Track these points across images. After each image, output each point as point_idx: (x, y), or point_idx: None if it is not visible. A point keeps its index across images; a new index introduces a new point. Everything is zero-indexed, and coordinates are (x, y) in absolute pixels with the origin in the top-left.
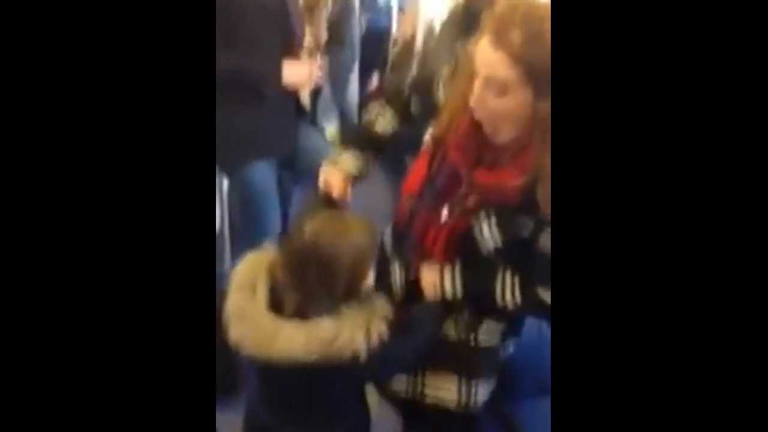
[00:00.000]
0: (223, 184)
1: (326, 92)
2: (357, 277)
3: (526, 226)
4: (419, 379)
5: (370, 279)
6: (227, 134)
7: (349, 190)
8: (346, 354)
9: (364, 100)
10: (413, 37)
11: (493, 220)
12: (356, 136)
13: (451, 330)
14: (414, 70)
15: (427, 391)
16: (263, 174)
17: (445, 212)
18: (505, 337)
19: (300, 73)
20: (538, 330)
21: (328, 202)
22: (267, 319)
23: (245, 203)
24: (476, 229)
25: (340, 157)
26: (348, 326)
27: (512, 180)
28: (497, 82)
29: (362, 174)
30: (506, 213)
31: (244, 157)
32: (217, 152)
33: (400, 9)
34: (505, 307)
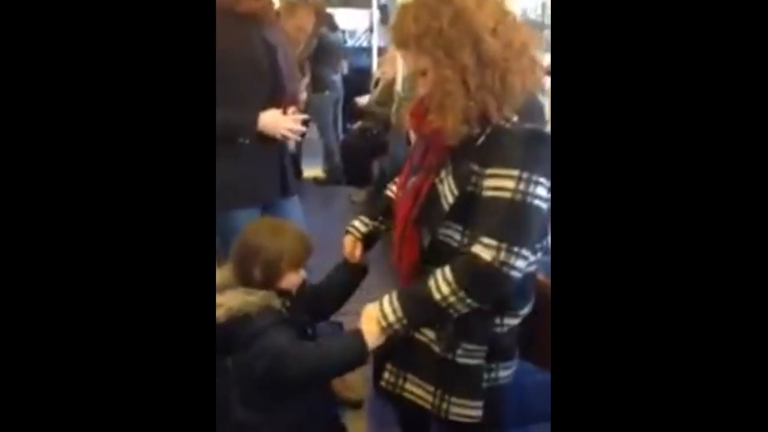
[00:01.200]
0: None
1: (312, 134)
2: (268, 277)
3: (473, 174)
4: (401, 375)
5: (289, 282)
6: (217, 184)
7: (359, 251)
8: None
9: (350, 136)
10: (394, 76)
11: (449, 169)
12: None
13: (435, 343)
14: (396, 102)
15: (408, 387)
16: (245, 222)
17: (414, 179)
18: (491, 359)
19: (280, 121)
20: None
21: (347, 263)
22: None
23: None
24: (438, 187)
25: (353, 224)
26: (228, 301)
27: (440, 120)
28: (417, 71)
29: (374, 234)
30: (458, 162)
31: (225, 204)
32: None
33: (380, 49)
34: (447, 305)
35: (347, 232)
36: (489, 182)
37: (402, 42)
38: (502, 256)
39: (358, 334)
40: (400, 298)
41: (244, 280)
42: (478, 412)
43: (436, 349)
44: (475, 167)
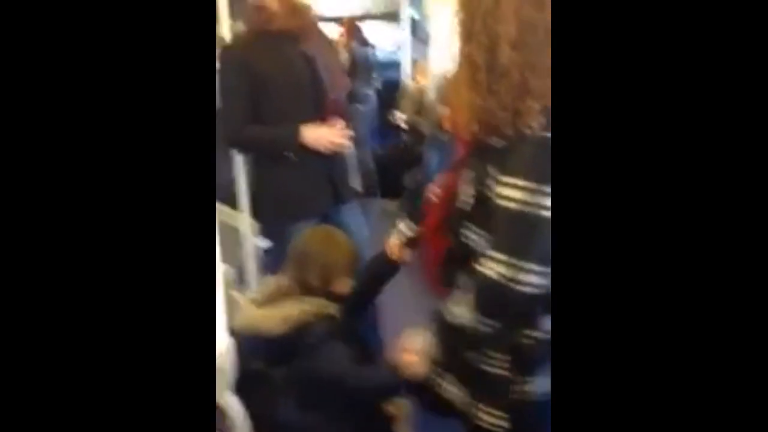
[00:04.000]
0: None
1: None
2: (324, 281)
3: (489, 178)
4: (439, 373)
5: (342, 287)
6: (265, 199)
7: (405, 253)
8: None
9: (384, 150)
10: (426, 85)
11: (470, 172)
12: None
13: (466, 350)
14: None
15: (445, 386)
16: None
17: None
18: (518, 370)
19: (322, 135)
20: None
21: (390, 262)
22: (249, 309)
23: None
24: (461, 187)
25: (399, 228)
26: (289, 309)
27: (459, 114)
28: None
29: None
30: (477, 163)
31: (282, 219)
32: (258, 216)
33: (414, 61)
34: (471, 329)
35: (394, 234)
36: (501, 190)
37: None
38: (510, 272)
39: (395, 367)
40: (430, 327)
41: (301, 285)
42: (503, 423)
43: (467, 356)
44: (492, 171)
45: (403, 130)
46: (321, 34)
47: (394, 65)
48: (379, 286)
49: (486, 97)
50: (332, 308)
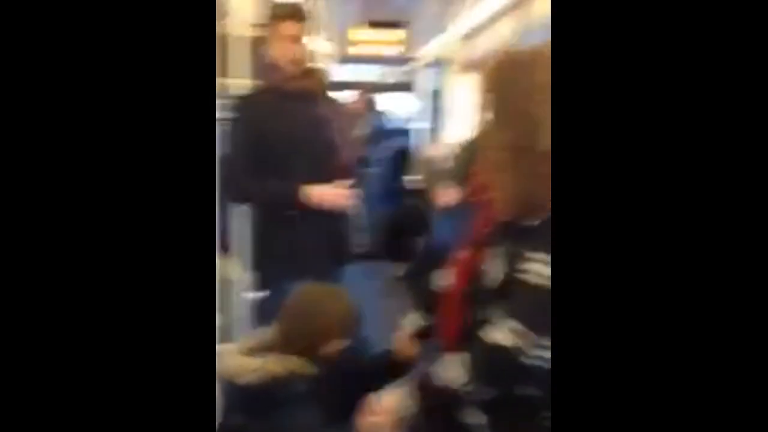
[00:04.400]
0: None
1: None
2: (312, 343)
3: (522, 257)
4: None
5: (333, 348)
6: (265, 254)
7: (414, 348)
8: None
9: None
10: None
11: (500, 250)
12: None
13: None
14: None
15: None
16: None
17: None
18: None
19: (324, 195)
20: None
21: (396, 362)
22: (234, 357)
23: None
24: (488, 264)
25: (406, 318)
26: (270, 365)
27: (498, 195)
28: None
29: (429, 329)
30: (510, 242)
31: (280, 275)
32: (259, 271)
33: (433, 132)
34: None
35: (402, 329)
36: (532, 266)
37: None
38: (525, 344)
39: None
40: (410, 388)
41: (288, 342)
42: None
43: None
44: (525, 249)
45: (414, 195)
46: (334, 100)
47: (406, 133)
48: (382, 386)
49: (531, 180)
50: (313, 369)
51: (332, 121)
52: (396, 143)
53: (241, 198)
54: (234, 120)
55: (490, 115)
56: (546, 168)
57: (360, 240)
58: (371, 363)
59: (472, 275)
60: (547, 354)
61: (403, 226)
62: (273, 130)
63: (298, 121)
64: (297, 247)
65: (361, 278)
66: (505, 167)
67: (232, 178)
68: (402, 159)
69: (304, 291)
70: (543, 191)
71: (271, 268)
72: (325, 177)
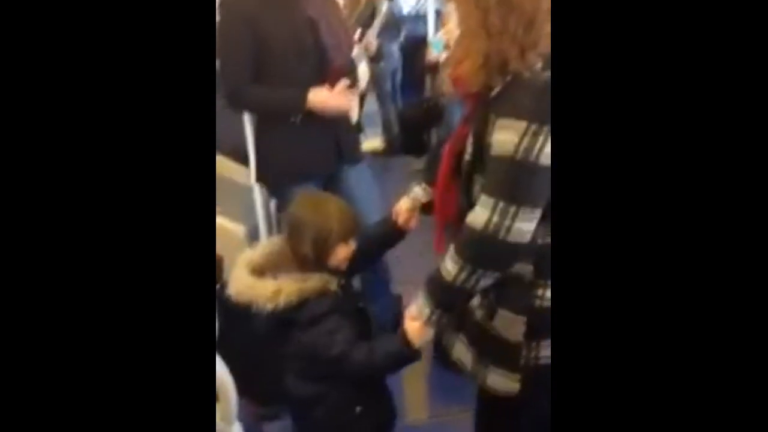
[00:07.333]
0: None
1: (371, 105)
2: (317, 251)
3: (488, 125)
4: (452, 339)
5: (340, 256)
6: (269, 160)
7: (414, 220)
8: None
9: (408, 107)
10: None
11: (478, 125)
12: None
13: (477, 309)
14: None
15: (455, 350)
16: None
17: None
18: (531, 335)
19: (328, 100)
20: None
21: (394, 228)
22: (244, 278)
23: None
24: (467, 140)
25: (414, 190)
26: (286, 286)
27: (462, 67)
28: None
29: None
30: (479, 113)
31: (286, 180)
32: (264, 178)
33: (438, 12)
34: (462, 283)
35: (408, 198)
36: (496, 135)
37: None
38: (496, 219)
39: (404, 336)
40: (425, 289)
41: (296, 254)
42: (515, 386)
43: (478, 315)
44: (491, 118)
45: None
46: None
47: (421, 19)
48: (381, 251)
49: (497, 37)
50: (333, 283)
51: (325, 21)
52: (410, 31)
53: (238, 104)
54: (223, 18)
55: None
56: (516, 17)
57: (374, 136)
58: (372, 230)
59: (456, 157)
60: (527, 226)
61: (418, 119)
62: (265, 31)
63: (290, 23)
64: (298, 151)
65: (381, 172)
66: (474, 30)
67: (227, 82)
68: (418, 48)
69: (298, 202)
70: (512, 44)
71: (273, 174)
72: (320, 82)
